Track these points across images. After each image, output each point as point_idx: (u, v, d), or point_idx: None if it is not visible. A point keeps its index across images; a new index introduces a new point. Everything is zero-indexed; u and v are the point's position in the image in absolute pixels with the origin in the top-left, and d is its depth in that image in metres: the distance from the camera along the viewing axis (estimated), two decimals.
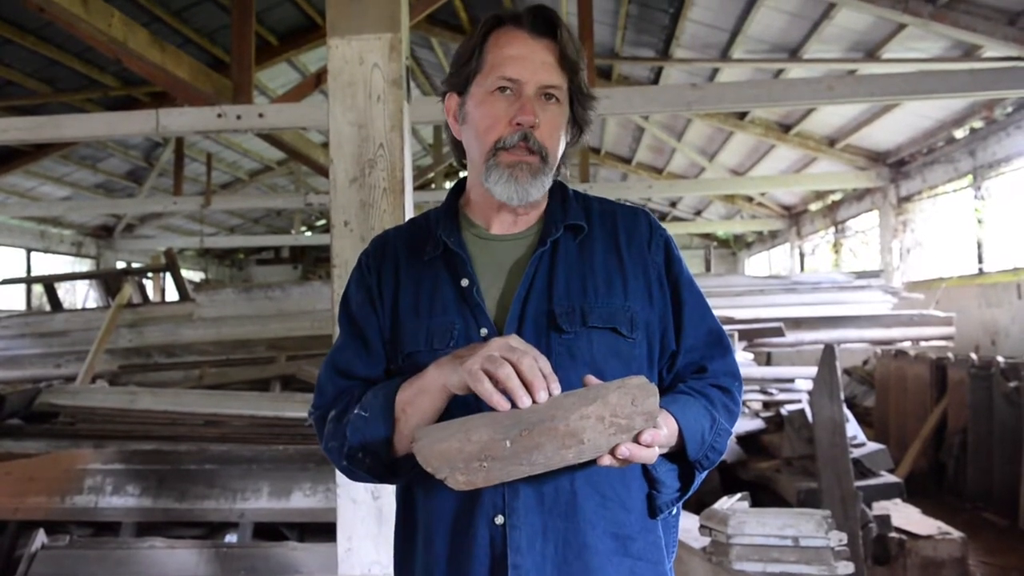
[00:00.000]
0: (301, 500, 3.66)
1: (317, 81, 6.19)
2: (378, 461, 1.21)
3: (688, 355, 1.29)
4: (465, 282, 1.25)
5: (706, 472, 1.26)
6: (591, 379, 1.11)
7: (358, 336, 1.31)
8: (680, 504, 1.29)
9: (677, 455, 1.22)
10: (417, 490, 1.26)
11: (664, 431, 1.11)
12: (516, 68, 1.23)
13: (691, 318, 1.30)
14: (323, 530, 3.54)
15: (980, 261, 8.26)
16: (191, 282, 11.09)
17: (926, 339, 7.69)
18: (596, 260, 1.28)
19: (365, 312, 1.31)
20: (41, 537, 3.29)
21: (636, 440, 1.06)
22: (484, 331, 1.22)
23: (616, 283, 1.26)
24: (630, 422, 1.06)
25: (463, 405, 1.15)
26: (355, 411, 1.21)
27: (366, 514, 2.54)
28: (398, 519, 1.32)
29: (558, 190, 1.35)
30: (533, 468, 1.06)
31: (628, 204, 1.38)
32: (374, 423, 1.19)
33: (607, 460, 1.06)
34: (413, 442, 1.10)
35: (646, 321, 1.26)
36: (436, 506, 1.22)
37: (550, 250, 1.28)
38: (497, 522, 1.17)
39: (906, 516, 4.43)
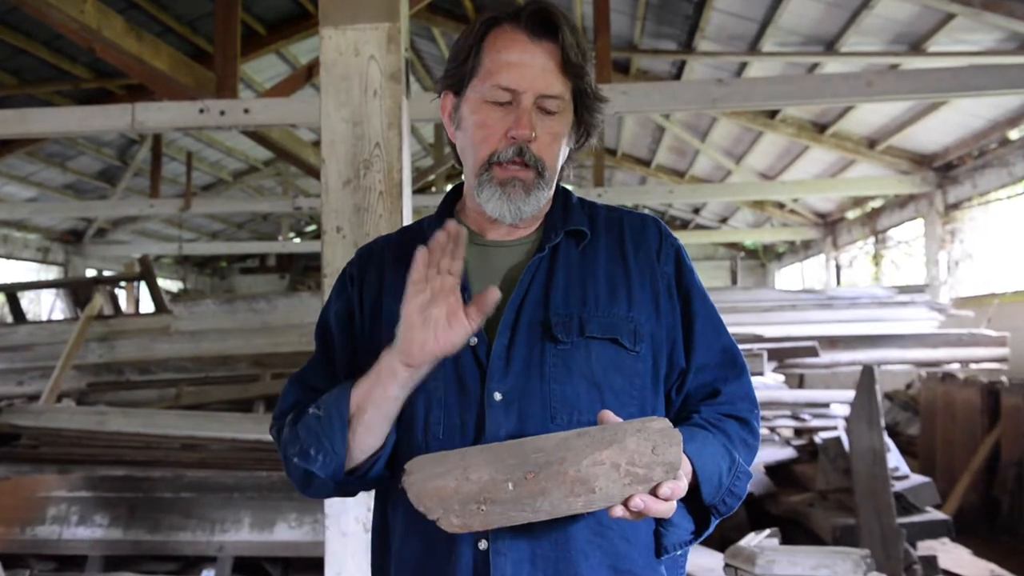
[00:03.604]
0: (286, 532, 3.66)
1: (308, 74, 6.23)
2: (333, 464, 1.21)
3: (700, 375, 1.30)
4: None
5: (722, 518, 1.25)
6: (608, 415, 1.09)
7: (324, 354, 1.36)
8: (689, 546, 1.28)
9: (690, 493, 1.20)
10: (394, 510, 1.27)
11: (684, 484, 1.10)
12: (513, 76, 1.24)
13: (703, 334, 1.30)
14: (310, 565, 3.54)
15: None
16: (168, 292, 11.16)
17: (977, 361, 7.64)
18: (599, 268, 1.29)
19: (337, 329, 1.35)
20: None
21: (653, 492, 1.04)
22: (474, 340, 1.23)
23: (620, 292, 1.27)
24: (648, 472, 1.03)
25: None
26: (310, 411, 1.23)
27: (356, 548, 2.54)
28: (374, 545, 1.33)
29: (561, 195, 1.37)
30: (536, 515, 1.04)
31: (637, 211, 1.39)
32: (328, 422, 1.19)
33: (619, 512, 1.05)
34: (404, 475, 1.08)
35: (652, 334, 1.27)
36: (415, 527, 1.22)
37: (549, 256, 1.29)
38: (480, 547, 1.17)
39: (955, 557, 4.40)
